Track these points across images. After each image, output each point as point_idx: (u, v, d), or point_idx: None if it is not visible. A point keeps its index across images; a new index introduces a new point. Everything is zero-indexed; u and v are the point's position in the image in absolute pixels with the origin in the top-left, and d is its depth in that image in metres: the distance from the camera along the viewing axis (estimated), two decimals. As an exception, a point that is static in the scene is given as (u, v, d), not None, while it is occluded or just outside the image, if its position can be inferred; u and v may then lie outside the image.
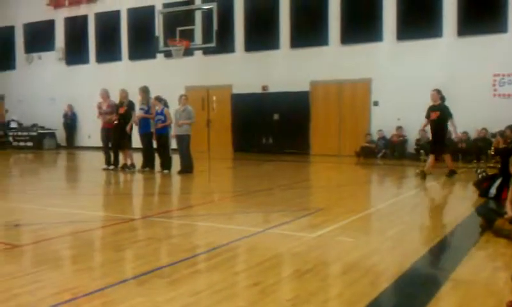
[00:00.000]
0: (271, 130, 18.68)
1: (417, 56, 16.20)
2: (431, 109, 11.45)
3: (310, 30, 17.83)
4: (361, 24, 17.04)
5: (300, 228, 6.63)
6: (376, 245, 5.91)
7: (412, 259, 5.18)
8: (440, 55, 15.94)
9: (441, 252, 5.85)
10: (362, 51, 16.98)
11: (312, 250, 5.56)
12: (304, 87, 17.94)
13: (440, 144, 11.42)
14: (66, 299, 4.05)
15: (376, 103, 17.03)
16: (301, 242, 5.88)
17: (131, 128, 13.28)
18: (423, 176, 11.22)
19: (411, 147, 16.18)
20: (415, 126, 15.89)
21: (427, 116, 11.51)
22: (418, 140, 15.62)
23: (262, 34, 18.65)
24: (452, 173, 11.44)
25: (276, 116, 18.54)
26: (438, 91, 11.52)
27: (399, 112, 16.33)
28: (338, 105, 17.71)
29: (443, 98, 11.47)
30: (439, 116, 11.24)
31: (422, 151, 15.22)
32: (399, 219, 7.31)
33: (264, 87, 18.75)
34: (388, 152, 16.29)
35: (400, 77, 16.27)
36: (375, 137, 16.81)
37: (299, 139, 18.20)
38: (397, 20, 16.51)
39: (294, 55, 18.16)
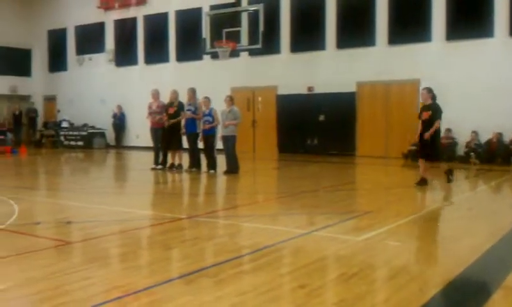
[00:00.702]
0: (317, 131, 18.59)
1: (467, 57, 15.81)
2: (422, 108, 10.61)
3: (356, 30, 17.66)
4: (409, 24, 16.75)
5: (346, 231, 6.59)
6: (424, 250, 5.81)
7: (462, 265, 5.06)
8: (491, 56, 15.50)
9: (491, 259, 5.69)
10: (410, 52, 16.69)
11: (358, 253, 5.52)
12: (350, 88, 17.78)
13: (432, 148, 10.38)
14: (116, 296, 4.16)
15: (424, 105, 16.71)
16: (347, 244, 5.85)
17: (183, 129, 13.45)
18: (423, 183, 10.48)
19: (460, 150, 15.80)
20: (465, 128, 15.58)
21: (420, 117, 10.60)
22: (468, 143, 15.24)
23: (308, 35, 18.59)
24: (422, 182, 10.46)
25: (321, 117, 18.45)
26: (429, 90, 10.63)
27: (448, 114, 15.91)
28: (385, 106, 17.47)
29: (434, 97, 10.54)
30: (431, 116, 10.30)
31: (472, 154, 14.85)
32: (448, 223, 7.16)
33: (310, 88, 18.68)
34: (437, 154, 15.92)
35: (450, 78, 15.89)
36: (423, 139, 16.48)
37: (344, 140, 18.05)
38: (447, 20, 16.14)
39: (340, 56, 18.02)
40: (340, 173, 14.15)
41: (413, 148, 16.20)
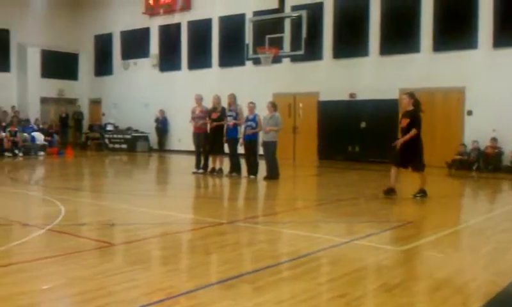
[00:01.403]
0: (358, 138, 18.43)
1: (514, 65, 15.42)
2: (402, 115, 10.05)
3: (400, 37, 17.44)
4: (455, 31, 16.43)
5: (387, 241, 6.51)
6: (468, 262, 5.69)
7: (506, 279, 4.93)
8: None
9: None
10: (455, 59, 16.37)
11: (400, 264, 5.45)
12: (393, 95, 17.54)
13: (414, 157, 9.80)
14: (159, 299, 4.24)
15: (469, 113, 16.35)
16: (388, 255, 5.78)
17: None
18: (391, 192, 9.99)
19: (506, 160, 15.38)
20: (511, 137, 15.19)
21: (400, 124, 10.11)
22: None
23: (350, 41, 18.48)
24: (421, 193, 9.96)
25: (363, 124, 18.28)
26: (410, 95, 9.96)
27: (494, 123, 15.59)
28: (428, 114, 16.94)
29: (416, 104, 9.93)
30: (409, 123, 9.72)
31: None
32: (493, 236, 6.98)
33: (352, 95, 18.55)
34: (482, 164, 15.56)
35: (497, 86, 15.53)
36: (468, 148, 16.12)
37: (386, 147, 17.78)
38: (494, 27, 15.76)
39: (383, 63, 17.84)
40: (381, 181, 13.91)
41: (458, 157, 15.92)
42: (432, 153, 16.95)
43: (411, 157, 9.84)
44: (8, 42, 24.54)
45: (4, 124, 20.56)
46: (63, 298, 4.38)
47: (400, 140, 9.82)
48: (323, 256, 5.80)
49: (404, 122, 9.84)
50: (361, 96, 18.25)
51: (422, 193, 9.93)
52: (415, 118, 9.77)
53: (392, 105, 17.55)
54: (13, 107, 23.47)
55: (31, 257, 5.56)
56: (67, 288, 4.57)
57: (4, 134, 19.40)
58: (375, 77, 17.91)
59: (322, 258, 5.74)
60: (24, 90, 24.87)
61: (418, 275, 5.20)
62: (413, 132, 9.66)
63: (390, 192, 10.02)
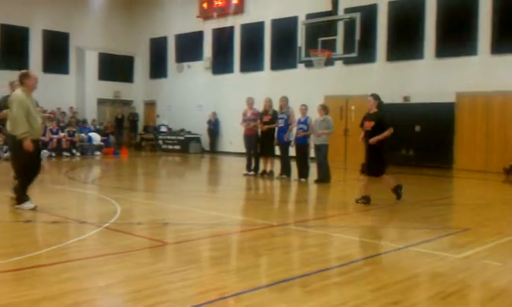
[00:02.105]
0: (412, 142, 18.09)
1: None
2: (365, 117, 9.74)
3: (457, 39, 17.02)
4: (515, 32, 15.93)
5: (443, 248, 6.35)
6: (528, 272, 5.49)
7: None
8: None
9: None
10: (515, 61, 15.86)
11: (456, 272, 5.31)
12: (449, 98, 17.15)
13: (374, 162, 9.49)
14: (212, 299, 4.30)
15: (529, 117, 15.80)
16: (444, 262, 5.65)
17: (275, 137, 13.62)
18: (366, 201, 9.58)
19: None
20: None
21: (361, 125, 9.82)
22: None
23: (405, 44, 18.17)
24: (397, 190, 9.77)
25: (417, 128, 17.93)
26: (375, 97, 9.63)
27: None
28: (486, 118, 16.68)
29: (380, 105, 9.67)
30: (374, 126, 9.40)
31: None
32: (555, 245, 6.71)
33: (406, 98, 18.23)
34: (542, 171, 14.96)
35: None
36: (528, 153, 15.55)
37: (441, 152, 17.41)
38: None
39: (439, 66, 17.44)
40: (436, 187, 13.67)
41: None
42: (489, 159, 16.51)
43: (372, 160, 9.52)
44: (67, 45, 25.45)
45: (62, 124, 21.29)
46: (119, 295, 4.50)
47: (377, 138, 9.45)
48: (376, 261, 5.73)
49: (368, 125, 9.50)
50: (416, 99, 17.90)
51: (364, 200, 9.52)
52: (382, 120, 9.46)
53: (447, 108, 17.17)
54: (71, 108, 24.29)
55: (88, 254, 5.74)
56: (123, 285, 4.69)
57: (62, 134, 20.09)
58: (430, 80, 17.53)
59: (375, 264, 5.67)
60: (81, 92, 25.70)
61: (475, 284, 5.06)
62: (389, 132, 9.38)
63: (365, 200, 9.55)
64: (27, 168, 8.13)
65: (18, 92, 8.04)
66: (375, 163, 9.51)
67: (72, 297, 4.25)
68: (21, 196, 8.11)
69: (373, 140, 9.39)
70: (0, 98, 10.93)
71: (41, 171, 8.71)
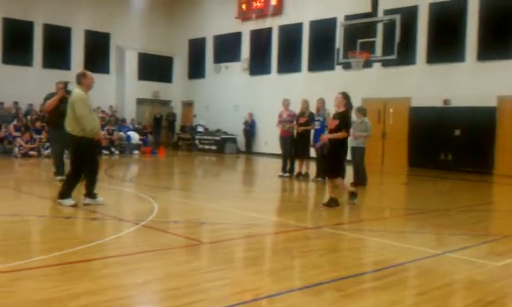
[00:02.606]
0: (451, 146, 17.77)
1: None
2: (333, 116, 9.54)
3: (500, 41, 16.63)
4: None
5: (482, 255, 6.23)
6: None
7: None
8: None
9: None
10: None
11: (495, 280, 5.20)
12: (490, 102, 16.78)
13: (331, 162, 9.33)
14: (248, 299, 4.34)
15: None
16: (483, 270, 5.54)
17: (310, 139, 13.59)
18: (353, 196, 9.53)
19: None
20: None
21: (328, 125, 9.62)
22: None
23: (446, 46, 17.87)
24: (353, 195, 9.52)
25: (457, 132, 17.60)
26: (345, 96, 9.29)
27: None
28: (529, 124, 16.26)
29: (348, 105, 9.36)
30: (338, 125, 9.16)
31: None
32: None
33: (446, 101, 17.92)
34: None
35: None
36: None
37: (481, 157, 17.05)
38: None
39: (481, 68, 17.08)
40: (475, 192, 13.38)
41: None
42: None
43: (332, 162, 9.36)
44: (108, 45, 25.96)
45: (102, 123, 21.72)
46: (157, 292, 4.59)
47: (326, 136, 9.50)
48: (413, 267, 5.66)
49: (334, 123, 9.31)
50: (456, 102, 17.58)
51: (334, 202, 9.29)
52: (344, 120, 9.20)
53: (489, 112, 16.81)
54: (110, 107, 24.75)
55: (126, 251, 5.86)
56: (161, 282, 4.77)
57: (102, 132, 20.48)
58: (471, 83, 17.18)
59: (412, 270, 5.60)
60: (121, 91, 26.16)
61: (516, 293, 4.95)
62: (342, 134, 9.15)
63: (331, 202, 9.31)
64: (83, 168, 8.38)
65: (79, 91, 8.27)
66: (331, 163, 9.37)
67: (111, 293, 4.35)
68: (66, 192, 8.32)
69: (324, 137, 9.64)
70: (47, 95, 11.31)
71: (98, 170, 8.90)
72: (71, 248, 5.68)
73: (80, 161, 8.34)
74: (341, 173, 9.58)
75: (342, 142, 9.27)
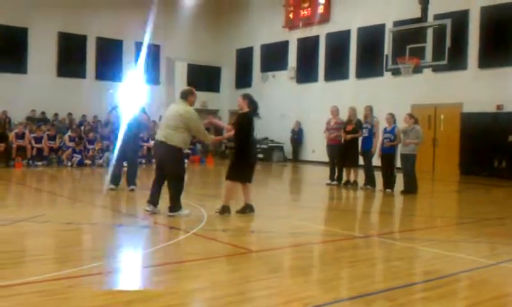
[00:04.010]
0: (505, 153, 17.23)
1: None
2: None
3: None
4: None
5: (539, 266, 6.02)
6: None
7: None
8: None
9: None
10: None
11: (552, 292, 5.03)
12: (546, 107, 16.20)
13: (232, 166, 8.92)
14: (297, 308, 4.34)
15: None
16: (540, 281, 5.36)
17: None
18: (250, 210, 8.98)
19: None
20: None
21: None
22: None
23: (498, 50, 17.39)
24: (245, 209, 8.93)
25: (510, 138, 17.05)
26: (244, 96, 9.02)
27: None
28: None
29: (252, 106, 8.99)
30: (234, 126, 8.95)
31: None
32: None
33: (499, 107, 17.41)
34: None
35: None
36: None
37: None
38: None
39: (536, 72, 16.53)
40: (532, 201, 12.93)
41: None
42: None
43: (231, 163, 8.98)
44: (158, 57, 26.53)
45: (152, 132, 22.14)
46: (208, 300, 4.64)
47: (219, 137, 9.82)
48: (466, 277, 5.52)
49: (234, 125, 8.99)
50: (510, 108, 17.06)
51: (249, 208, 8.97)
52: (241, 122, 8.78)
53: (545, 118, 16.21)
54: (160, 117, 25.19)
55: (177, 259, 5.96)
56: (211, 290, 4.83)
57: (152, 142, 20.89)
58: (526, 87, 16.64)
59: (465, 280, 5.47)
60: (171, 101, 26.46)
61: None
62: (231, 133, 8.95)
63: (246, 208, 8.99)
64: (183, 178, 8.65)
65: (189, 108, 8.64)
66: (231, 167, 8.92)
67: (162, 300, 4.44)
68: (177, 204, 8.52)
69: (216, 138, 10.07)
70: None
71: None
72: (123, 256, 5.82)
73: (182, 170, 8.62)
74: (235, 178, 8.90)
75: (241, 144, 8.79)
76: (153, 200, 8.64)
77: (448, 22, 15.31)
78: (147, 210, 8.56)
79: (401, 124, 12.81)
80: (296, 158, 23.79)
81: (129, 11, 25.09)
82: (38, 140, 18.36)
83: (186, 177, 14.09)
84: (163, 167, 8.64)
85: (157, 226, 7.88)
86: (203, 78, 26.92)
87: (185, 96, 8.69)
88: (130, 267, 5.47)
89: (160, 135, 8.54)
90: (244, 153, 8.82)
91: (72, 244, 6.67)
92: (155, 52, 26.29)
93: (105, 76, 24.52)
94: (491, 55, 17.52)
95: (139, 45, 25.79)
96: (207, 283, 5.03)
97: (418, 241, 7.39)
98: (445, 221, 9.47)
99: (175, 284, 4.95)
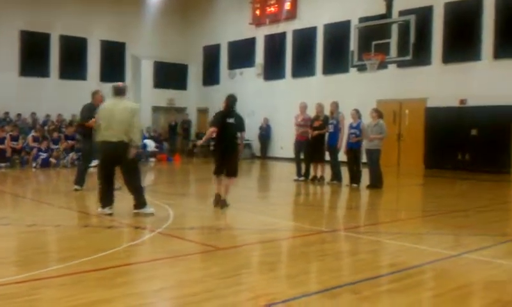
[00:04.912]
0: (468, 146, 17.59)
1: None
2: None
3: (516, 39, 16.46)
4: None
5: (500, 255, 6.15)
6: None
7: None
8: None
9: None
10: None
11: (513, 280, 5.14)
12: (508, 101, 16.57)
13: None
14: (264, 304, 4.33)
15: None
16: (501, 270, 5.47)
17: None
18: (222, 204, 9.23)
19: None
20: None
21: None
22: None
23: (461, 45, 17.71)
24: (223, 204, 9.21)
25: (473, 132, 17.42)
26: (227, 97, 9.67)
27: None
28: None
29: (229, 104, 9.67)
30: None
31: None
32: None
33: (462, 101, 17.76)
34: None
35: None
36: None
37: (499, 156, 16.83)
38: None
39: (497, 67, 16.90)
40: (493, 192, 13.22)
41: None
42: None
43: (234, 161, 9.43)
44: (123, 55, 26.21)
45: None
46: (173, 298, 4.60)
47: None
48: (430, 269, 5.61)
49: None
50: (473, 102, 17.41)
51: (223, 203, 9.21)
52: (214, 118, 9.69)
53: (505, 111, 16.60)
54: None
55: (142, 259, 5.89)
56: (177, 289, 4.79)
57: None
58: (488, 82, 17.00)
59: (429, 272, 5.55)
60: (137, 99, 26.26)
61: (535, 293, 4.88)
62: (210, 131, 9.52)
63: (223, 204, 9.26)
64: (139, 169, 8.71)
65: (135, 103, 8.44)
66: (235, 163, 9.51)
67: (126, 301, 4.37)
68: (143, 200, 8.45)
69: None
70: (86, 107, 11.22)
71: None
72: (87, 257, 5.71)
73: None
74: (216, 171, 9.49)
75: (217, 139, 9.42)
76: (112, 200, 8.52)
77: (412, 18, 15.55)
78: (109, 213, 8.39)
79: (367, 119, 12.94)
80: (264, 155, 23.82)
81: (93, 9, 24.71)
82: (1, 141, 17.90)
83: (152, 176, 13.90)
84: (114, 166, 8.55)
85: (122, 226, 7.78)
86: (170, 76, 26.75)
87: (121, 92, 8.48)
88: (94, 268, 5.37)
89: (112, 136, 8.18)
90: (217, 150, 9.48)
91: (34, 246, 6.52)
92: (120, 50, 25.96)
93: (70, 75, 24.11)
94: (455, 51, 17.85)
95: (104, 43, 25.46)
96: (173, 282, 4.98)
97: (384, 234, 7.48)
98: (410, 214, 9.62)
99: (139, 285, 4.89)
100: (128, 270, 5.42)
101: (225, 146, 9.33)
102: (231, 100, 9.57)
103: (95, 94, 11.33)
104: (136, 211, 8.36)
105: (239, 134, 9.47)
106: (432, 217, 9.17)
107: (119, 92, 8.51)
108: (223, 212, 8.97)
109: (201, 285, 4.79)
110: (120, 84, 8.73)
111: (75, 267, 5.33)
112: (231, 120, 9.34)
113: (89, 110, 10.80)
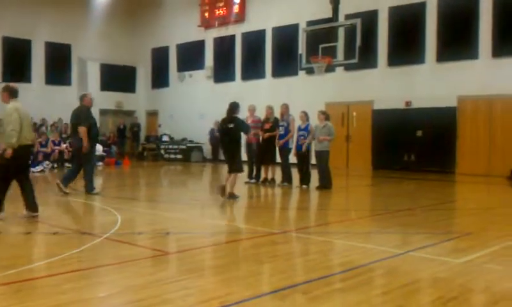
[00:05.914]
0: (414, 147, 18.09)
1: None
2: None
3: (457, 43, 17.04)
4: (516, 36, 15.93)
5: (445, 252, 6.33)
6: (531, 276, 5.46)
7: None
8: None
9: None
10: (517, 64, 15.83)
11: (457, 276, 5.28)
12: (450, 102, 17.15)
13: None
14: (214, 307, 4.29)
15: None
16: (445, 267, 5.62)
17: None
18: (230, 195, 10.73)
19: None
20: None
21: None
22: None
23: (406, 49, 18.21)
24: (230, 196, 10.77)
25: (419, 133, 17.93)
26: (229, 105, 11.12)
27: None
28: (488, 122, 16.66)
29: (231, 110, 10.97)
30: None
31: None
32: (559, 248, 6.67)
33: (407, 103, 18.23)
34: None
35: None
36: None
37: (443, 157, 17.39)
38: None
39: (440, 70, 17.45)
40: (438, 191, 13.62)
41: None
42: (491, 163, 16.47)
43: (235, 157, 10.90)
44: (69, 57, 25.55)
45: (64, 135, 21.31)
46: (120, 305, 4.49)
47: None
48: (378, 267, 5.70)
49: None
50: (417, 104, 17.91)
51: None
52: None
53: (449, 113, 17.17)
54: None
55: (89, 265, 5.73)
56: (123, 295, 4.67)
57: (64, 145, 20.11)
58: (432, 84, 17.54)
59: (377, 270, 5.64)
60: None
61: (476, 288, 5.03)
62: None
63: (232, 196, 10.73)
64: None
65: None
66: (237, 159, 11.03)
67: (72, 308, 4.24)
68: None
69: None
70: (83, 111, 11.33)
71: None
72: (30, 264, 5.52)
73: None
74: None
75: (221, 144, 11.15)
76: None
77: (358, 22, 15.84)
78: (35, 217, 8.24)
79: (315, 121, 13.08)
80: (216, 158, 23.70)
81: (38, 10, 23.99)
82: None
83: (101, 181, 13.62)
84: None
85: (68, 232, 7.55)
86: (117, 78, 26.30)
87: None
88: (40, 276, 5.19)
89: (30, 139, 8.18)
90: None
91: (-26, 254, 6.24)
92: (65, 52, 25.32)
93: (13, 78, 23.22)
94: (400, 54, 18.33)
95: (48, 45, 24.76)
96: (120, 287, 4.86)
97: (333, 234, 7.56)
98: (358, 214, 9.77)
99: (85, 292, 4.74)
100: (74, 276, 5.24)
101: (226, 149, 11.06)
102: (232, 107, 11.03)
103: (84, 97, 11.68)
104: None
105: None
106: (380, 216, 9.35)
107: (17, 93, 8.32)
108: (231, 204, 10.33)
109: (150, 290, 4.70)
110: (16, 85, 8.52)
111: (16, 276, 5.12)
112: (231, 125, 10.76)
113: (88, 113, 11.40)
